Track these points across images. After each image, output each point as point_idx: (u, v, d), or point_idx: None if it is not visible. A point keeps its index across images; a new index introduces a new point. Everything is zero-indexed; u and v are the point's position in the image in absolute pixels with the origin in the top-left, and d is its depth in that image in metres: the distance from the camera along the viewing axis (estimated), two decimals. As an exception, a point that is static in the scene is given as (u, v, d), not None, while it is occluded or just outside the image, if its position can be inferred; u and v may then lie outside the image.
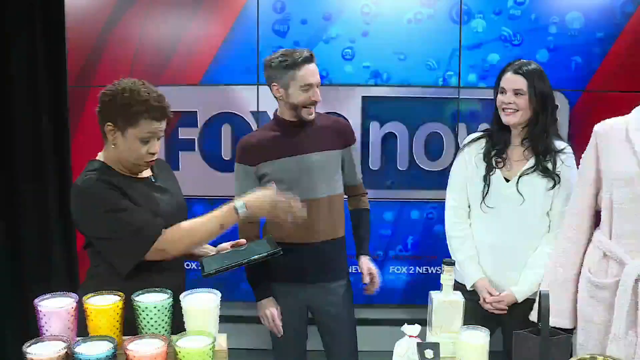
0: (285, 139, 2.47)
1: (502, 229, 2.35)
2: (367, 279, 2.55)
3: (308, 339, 2.69)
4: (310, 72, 2.39)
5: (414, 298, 3.45)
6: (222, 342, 1.71)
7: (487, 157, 2.38)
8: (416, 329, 1.66)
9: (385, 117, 3.35)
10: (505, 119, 2.33)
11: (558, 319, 2.16)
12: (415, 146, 3.36)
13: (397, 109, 3.35)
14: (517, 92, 2.30)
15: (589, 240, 2.13)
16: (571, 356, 1.61)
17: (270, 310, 2.49)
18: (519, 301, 2.32)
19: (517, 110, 2.31)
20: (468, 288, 2.38)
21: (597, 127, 2.10)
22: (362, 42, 3.32)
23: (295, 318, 2.57)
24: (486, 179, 2.36)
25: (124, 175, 1.95)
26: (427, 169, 3.38)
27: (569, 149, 2.36)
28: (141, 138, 1.89)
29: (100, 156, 1.99)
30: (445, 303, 1.71)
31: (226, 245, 2.07)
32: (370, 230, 2.69)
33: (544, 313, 1.56)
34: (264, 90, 3.28)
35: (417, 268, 3.49)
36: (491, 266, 2.38)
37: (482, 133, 2.48)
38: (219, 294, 1.69)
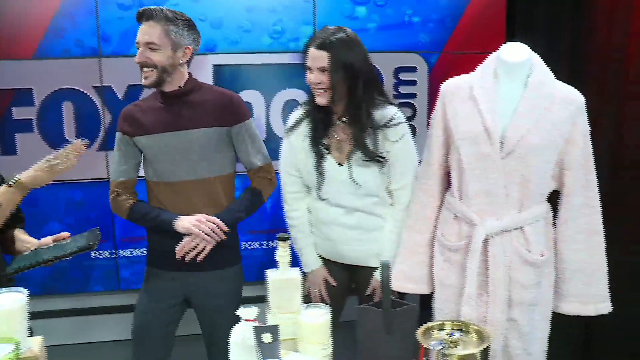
0: (165, 112, 2.23)
1: (345, 211, 2.24)
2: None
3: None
4: (140, 31, 2.16)
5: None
6: (35, 345, 1.50)
7: (314, 143, 2.21)
8: (253, 312, 1.53)
9: (240, 85, 3.17)
10: (317, 99, 2.16)
11: (416, 285, 2.12)
12: (272, 115, 3.23)
13: (251, 76, 3.20)
14: (321, 69, 2.11)
15: (442, 203, 2.08)
16: (419, 325, 1.55)
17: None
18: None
19: (327, 89, 2.12)
20: (306, 271, 2.29)
21: (443, 86, 2.03)
22: (212, 8, 3.12)
23: (168, 307, 2.33)
24: (318, 168, 2.21)
25: None
26: (286, 138, 3.25)
27: (397, 118, 2.19)
28: None
29: None
30: (282, 281, 1.59)
31: (48, 239, 1.86)
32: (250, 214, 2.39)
33: (385, 284, 1.47)
34: (106, 63, 3.05)
35: (272, 242, 3.39)
36: (342, 243, 2.28)
37: (303, 110, 2.29)
38: (25, 292, 1.47)
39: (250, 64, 3.17)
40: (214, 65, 3.15)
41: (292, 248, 1.67)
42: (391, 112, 2.19)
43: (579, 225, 1.96)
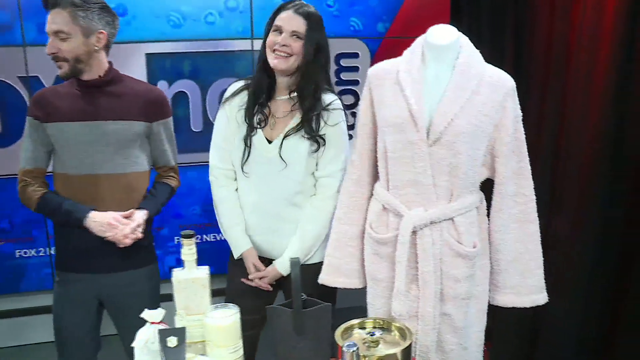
0: (82, 100, 2.08)
1: (265, 194, 2.15)
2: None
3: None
4: (47, 20, 2.02)
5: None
6: None
7: (248, 114, 2.13)
8: (159, 314, 1.43)
9: (174, 75, 3.05)
10: (274, 62, 2.06)
11: (347, 279, 2.04)
12: (209, 105, 3.11)
13: (186, 65, 3.07)
14: (294, 34, 2.05)
15: (372, 194, 1.99)
16: (335, 325, 1.46)
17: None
18: (284, 275, 2.15)
19: (291, 55, 2.06)
20: (235, 258, 2.19)
21: (370, 71, 1.94)
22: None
23: (84, 312, 2.20)
24: (247, 141, 2.12)
25: None
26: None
27: (336, 104, 2.14)
28: None
29: None
30: (188, 281, 1.48)
31: None
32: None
33: (294, 282, 1.37)
34: (32, 51, 2.89)
35: (206, 236, 3.28)
36: (257, 233, 2.19)
37: (244, 83, 2.21)
38: None
39: (186, 52, 3.05)
40: (147, 54, 3.00)
41: (198, 245, 1.56)
42: (332, 97, 2.15)
43: (513, 215, 1.89)
